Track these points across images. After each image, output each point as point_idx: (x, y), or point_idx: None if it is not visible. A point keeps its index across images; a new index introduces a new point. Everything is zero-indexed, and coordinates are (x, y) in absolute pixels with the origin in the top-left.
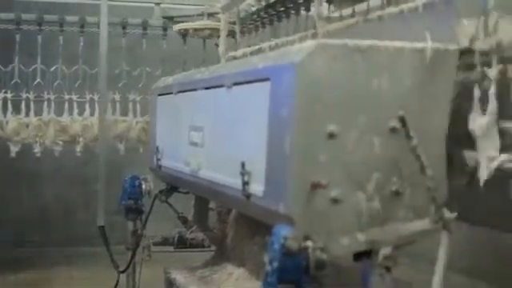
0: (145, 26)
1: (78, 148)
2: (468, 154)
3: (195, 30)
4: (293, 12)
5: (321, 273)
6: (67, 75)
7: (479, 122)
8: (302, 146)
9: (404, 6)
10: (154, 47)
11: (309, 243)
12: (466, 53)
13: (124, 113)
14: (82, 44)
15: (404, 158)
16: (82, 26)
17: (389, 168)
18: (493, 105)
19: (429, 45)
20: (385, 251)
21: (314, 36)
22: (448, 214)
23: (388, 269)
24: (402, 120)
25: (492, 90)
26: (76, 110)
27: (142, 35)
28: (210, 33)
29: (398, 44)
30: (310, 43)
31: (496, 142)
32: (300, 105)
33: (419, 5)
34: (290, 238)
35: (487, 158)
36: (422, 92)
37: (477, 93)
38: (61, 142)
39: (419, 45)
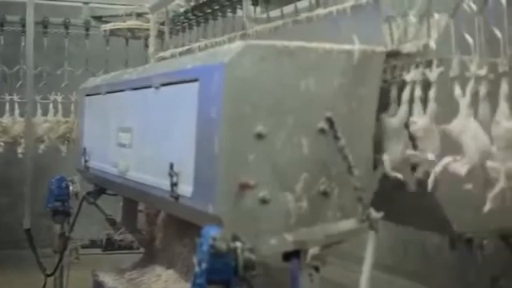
0: (87, 26)
1: (20, 149)
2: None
3: (113, 29)
4: (222, 13)
5: (250, 273)
6: (8, 75)
7: (420, 123)
8: (230, 146)
9: (333, 8)
10: (97, 47)
11: (237, 244)
12: (392, 55)
13: (66, 114)
14: (23, 44)
15: (332, 159)
16: (23, 26)
17: (317, 168)
18: (432, 106)
19: (356, 46)
20: (313, 251)
21: (244, 37)
22: (374, 214)
23: (317, 268)
24: (330, 121)
25: (432, 93)
26: (17, 111)
27: (85, 35)
28: (132, 33)
29: (326, 45)
30: (238, 44)
31: (436, 143)
32: (228, 105)
33: (347, 7)
34: (219, 239)
35: (427, 161)
36: (350, 93)
37: (418, 93)
38: (2, 144)
39: (347, 46)
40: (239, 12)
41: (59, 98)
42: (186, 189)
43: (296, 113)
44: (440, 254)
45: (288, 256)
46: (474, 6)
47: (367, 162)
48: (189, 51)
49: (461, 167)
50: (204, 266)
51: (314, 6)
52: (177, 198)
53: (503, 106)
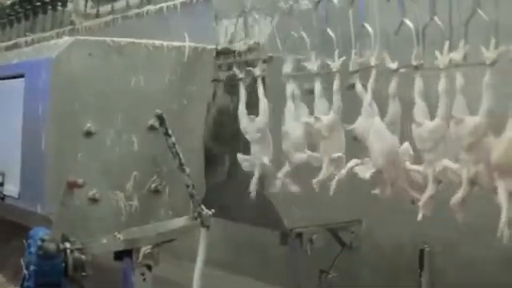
0: None
1: None
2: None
3: None
4: (46, 8)
5: (80, 274)
6: None
7: (323, 122)
8: (58, 144)
9: (163, 5)
10: None
11: (67, 244)
12: (224, 53)
13: None
14: None
15: (163, 156)
16: None
17: (148, 166)
18: (337, 103)
19: (187, 44)
20: (145, 250)
21: (72, 32)
22: (206, 211)
23: (149, 267)
24: (160, 118)
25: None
26: None
27: None
28: None
29: (156, 42)
30: (66, 39)
31: (342, 143)
32: (56, 102)
33: (177, 3)
34: (48, 240)
35: (330, 160)
36: (180, 90)
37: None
38: None
39: (177, 43)
40: (69, 6)
41: None
42: (12, 189)
43: (126, 110)
44: (271, 250)
45: (120, 255)
46: None
47: (198, 159)
48: (15, 46)
49: (365, 171)
50: (32, 268)
51: (144, 3)
52: (3, 198)
53: (420, 103)
